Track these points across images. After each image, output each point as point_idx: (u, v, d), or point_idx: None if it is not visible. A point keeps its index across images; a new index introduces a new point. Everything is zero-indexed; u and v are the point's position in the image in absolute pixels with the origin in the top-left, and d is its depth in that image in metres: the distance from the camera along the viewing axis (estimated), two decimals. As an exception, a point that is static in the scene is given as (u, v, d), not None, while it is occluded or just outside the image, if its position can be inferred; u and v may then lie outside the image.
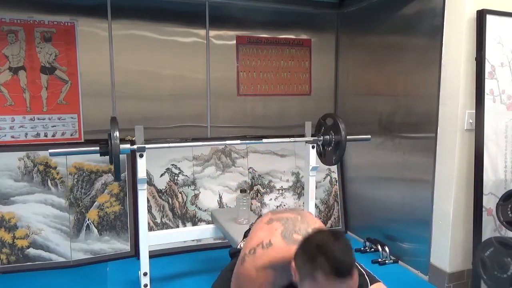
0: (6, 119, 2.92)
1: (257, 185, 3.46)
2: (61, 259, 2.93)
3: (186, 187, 3.28)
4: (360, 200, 3.56)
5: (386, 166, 3.18)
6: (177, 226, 3.22)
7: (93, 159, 3.03)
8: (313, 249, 1.18)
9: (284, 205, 3.51)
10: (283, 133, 3.51)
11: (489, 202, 2.50)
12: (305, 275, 1.20)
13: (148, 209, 2.81)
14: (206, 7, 3.32)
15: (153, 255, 2.69)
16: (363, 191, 3.52)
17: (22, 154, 2.91)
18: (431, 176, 2.68)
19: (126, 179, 3.12)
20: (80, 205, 3.01)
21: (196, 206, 3.30)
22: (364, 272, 1.58)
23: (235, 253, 1.66)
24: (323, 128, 2.63)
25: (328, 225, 3.67)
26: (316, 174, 2.68)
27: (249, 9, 3.43)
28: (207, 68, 3.38)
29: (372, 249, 3.21)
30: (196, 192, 3.31)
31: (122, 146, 2.23)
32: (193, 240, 3.15)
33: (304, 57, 3.67)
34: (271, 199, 3.48)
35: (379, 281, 1.56)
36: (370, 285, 1.52)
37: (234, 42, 3.45)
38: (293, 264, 1.26)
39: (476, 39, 2.42)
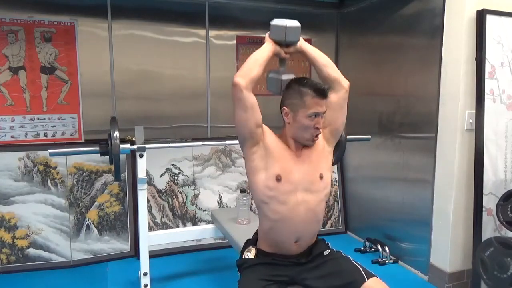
0: (6, 119, 2.92)
1: (257, 185, 3.45)
2: (61, 259, 2.93)
3: (186, 187, 3.28)
4: (360, 200, 3.56)
5: (386, 166, 3.18)
6: (177, 226, 3.22)
7: (93, 159, 3.03)
8: (294, 86, 1.57)
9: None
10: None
11: (489, 202, 2.50)
12: (296, 106, 1.54)
13: (148, 209, 2.81)
14: (206, 7, 3.32)
15: (153, 255, 2.68)
16: (363, 191, 3.52)
17: (22, 154, 2.91)
18: (431, 176, 2.68)
19: (126, 179, 3.12)
20: (80, 205, 3.01)
21: (196, 206, 3.30)
22: (360, 268, 1.59)
23: (241, 264, 1.67)
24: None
25: (328, 225, 3.67)
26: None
27: (249, 9, 3.43)
28: (207, 68, 3.38)
29: (372, 249, 3.21)
30: (196, 192, 3.31)
31: (122, 146, 2.23)
32: (193, 240, 3.15)
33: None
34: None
35: (375, 276, 1.57)
36: (366, 279, 1.54)
37: (234, 42, 3.45)
38: (285, 109, 1.58)
39: (476, 39, 2.42)
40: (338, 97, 1.65)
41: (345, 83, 1.66)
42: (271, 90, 1.69)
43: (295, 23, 1.58)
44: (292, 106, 1.56)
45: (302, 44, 1.63)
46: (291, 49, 1.62)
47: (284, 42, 1.60)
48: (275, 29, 1.59)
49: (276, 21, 1.58)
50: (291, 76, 1.64)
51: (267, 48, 1.59)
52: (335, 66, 1.67)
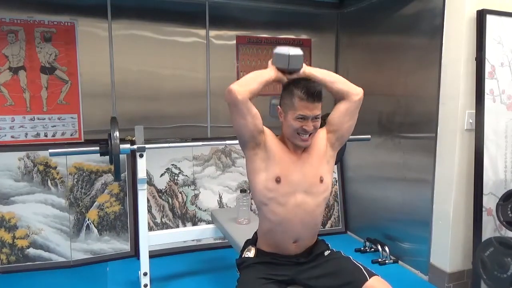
0: (6, 119, 2.92)
1: (257, 185, 3.45)
2: (61, 259, 2.93)
3: (186, 187, 3.28)
4: (360, 200, 3.56)
5: (386, 166, 3.18)
6: (177, 226, 3.22)
7: (93, 159, 3.03)
8: (289, 86, 1.56)
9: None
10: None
11: (489, 202, 2.50)
12: (287, 107, 1.55)
13: (148, 209, 2.81)
14: (206, 7, 3.32)
15: (153, 255, 2.69)
16: (363, 191, 3.52)
17: (22, 154, 2.90)
18: (431, 176, 2.68)
19: (126, 179, 3.12)
20: (80, 205, 3.01)
21: (196, 206, 3.30)
22: (361, 267, 1.59)
23: (241, 263, 1.67)
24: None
25: (328, 225, 3.67)
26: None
27: (249, 9, 3.43)
28: (207, 68, 3.38)
29: (372, 249, 3.21)
30: (196, 192, 3.31)
31: (122, 146, 2.23)
32: (193, 240, 3.15)
33: (304, 57, 3.66)
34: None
35: (377, 275, 1.57)
36: (368, 278, 1.54)
37: (234, 42, 3.45)
38: (278, 108, 1.61)
39: (476, 39, 2.42)
40: (350, 105, 1.64)
41: (357, 92, 1.65)
42: (274, 116, 1.70)
43: (297, 51, 1.59)
44: (284, 106, 1.57)
45: (306, 69, 1.63)
46: (294, 75, 1.62)
47: (287, 70, 1.61)
48: (278, 57, 1.60)
49: (279, 49, 1.60)
50: None
51: (269, 73, 1.60)
52: (344, 79, 1.67)
